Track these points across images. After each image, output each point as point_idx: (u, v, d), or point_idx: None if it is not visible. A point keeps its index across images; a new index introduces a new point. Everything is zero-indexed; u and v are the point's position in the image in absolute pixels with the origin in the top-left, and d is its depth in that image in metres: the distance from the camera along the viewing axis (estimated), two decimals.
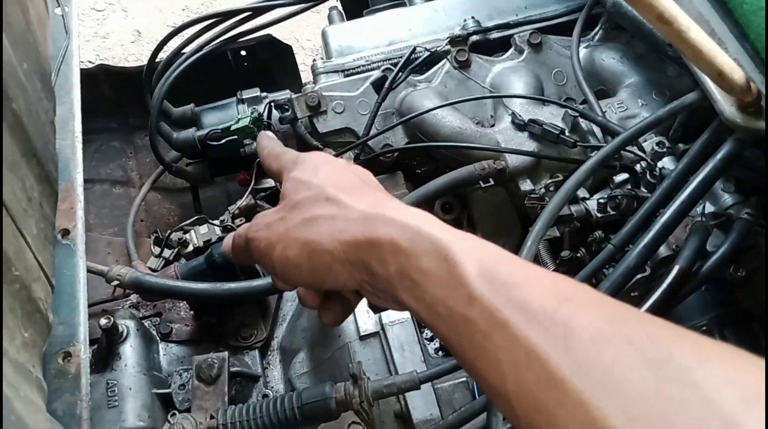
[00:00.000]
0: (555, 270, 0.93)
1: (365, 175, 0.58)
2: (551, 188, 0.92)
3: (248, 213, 1.14)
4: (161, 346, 1.08)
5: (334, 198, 0.53)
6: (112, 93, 1.44)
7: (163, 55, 1.24)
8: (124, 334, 1.01)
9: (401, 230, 0.47)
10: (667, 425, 0.32)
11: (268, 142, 0.66)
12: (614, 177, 0.94)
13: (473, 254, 0.44)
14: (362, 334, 0.97)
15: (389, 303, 0.52)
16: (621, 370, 0.35)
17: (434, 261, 0.45)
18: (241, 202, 1.13)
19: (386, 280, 0.49)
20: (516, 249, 1.02)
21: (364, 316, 0.99)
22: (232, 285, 0.93)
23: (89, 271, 0.98)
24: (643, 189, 0.90)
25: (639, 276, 0.84)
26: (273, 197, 1.15)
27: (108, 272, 0.94)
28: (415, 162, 1.14)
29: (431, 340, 1.07)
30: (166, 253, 1.12)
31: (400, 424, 0.93)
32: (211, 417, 0.84)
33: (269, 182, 1.19)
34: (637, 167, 0.91)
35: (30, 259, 0.70)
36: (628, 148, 0.88)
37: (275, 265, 0.55)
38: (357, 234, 0.50)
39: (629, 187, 0.90)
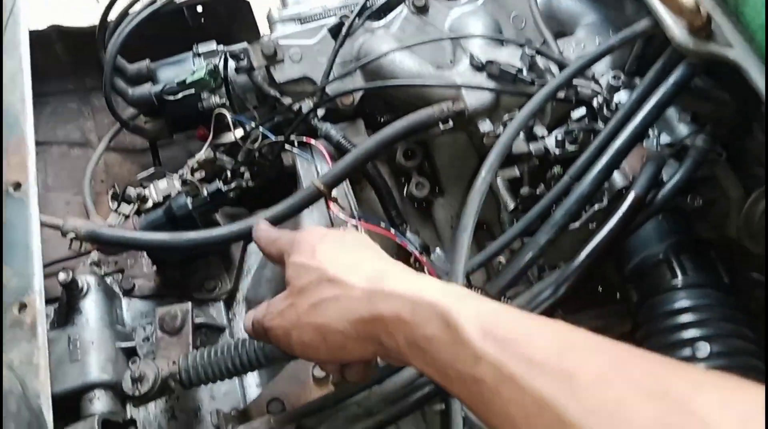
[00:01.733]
0: (515, 208, 0.93)
1: (361, 242, 0.62)
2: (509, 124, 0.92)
3: (208, 167, 1.12)
4: (124, 301, 1.07)
5: (335, 279, 0.57)
6: (67, 54, 1.41)
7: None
8: (85, 289, 1.00)
9: (402, 303, 0.51)
10: None
11: (263, 232, 0.72)
12: (572, 113, 0.94)
13: (473, 314, 0.47)
14: None
15: (405, 365, 0.58)
16: (625, 408, 0.37)
17: (437, 327, 0.49)
18: (200, 156, 1.11)
19: (396, 350, 0.53)
20: None
21: None
22: (192, 234, 0.92)
23: (44, 224, 0.96)
24: (600, 123, 0.90)
25: (596, 207, 0.85)
26: (232, 150, 1.14)
27: (63, 225, 0.92)
28: (375, 111, 1.13)
29: None
30: (125, 209, 1.10)
31: None
32: (173, 363, 0.84)
33: (228, 137, 1.17)
34: (594, 102, 0.91)
35: None
36: (583, 81, 0.88)
37: (295, 350, 0.61)
38: (363, 312, 0.54)
39: (586, 121, 0.91)
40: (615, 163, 0.75)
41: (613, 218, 0.77)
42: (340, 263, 0.58)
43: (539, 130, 0.95)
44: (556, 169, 0.90)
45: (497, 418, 0.45)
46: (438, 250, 1.10)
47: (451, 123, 0.97)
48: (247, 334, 0.72)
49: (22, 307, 0.80)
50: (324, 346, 0.58)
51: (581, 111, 0.93)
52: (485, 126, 0.96)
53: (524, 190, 0.91)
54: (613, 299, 0.98)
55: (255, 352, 0.80)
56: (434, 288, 0.52)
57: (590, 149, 0.81)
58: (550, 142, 0.92)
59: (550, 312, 0.77)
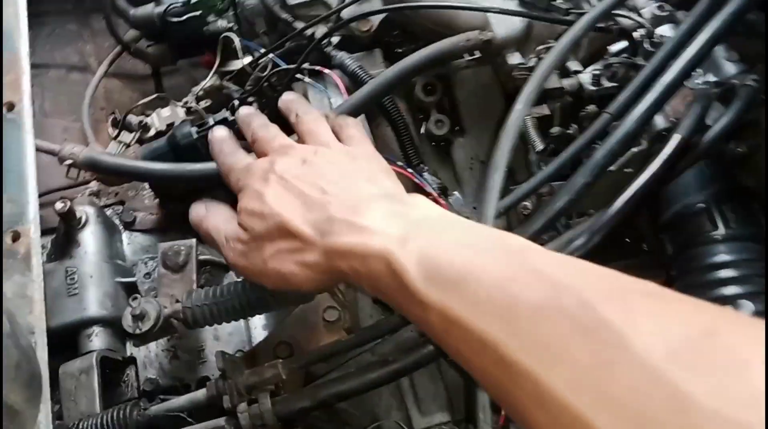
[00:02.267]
0: (544, 149, 0.87)
1: (303, 172, 0.61)
2: (542, 55, 0.84)
3: (214, 95, 1.05)
4: (125, 235, 1.02)
5: (289, 231, 0.58)
6: None
7: None
8: (83, 220, 0.94)
9: (354, 259, 0.53)
10: (605, 389, 0.34)
11: (219, 145, 0.74)
12: (609, 47, 0.86)
13: (416, 258, 0.48)
14: None
15: None
16: (559, 343, 0.37)
17: (388, 277, 0.49)
18: (206, 83, 1.04)
19: (369, 292, 0.56)
20: (500, 127, 0.96)
21: None
22: (197, 166, 0.85)
23: (40, 150, 0.90)
24: (640, 58, 0.83)
25: (635, 150, 0.78)
26: (240, 78, 1.07)
27: (60, 151, 0.86)
28: (394, 40, 1.06)
29: None
30: (126, 137, 1.04)
31: (378, 309, 0.90)
32: (176, 301, 0.79)
33: (236, 64, 1.10)
34: (635, 34, 0.83)
35: None
36: (624, 11, 0.81)
37: (267, 286, 0.65)
38: (323, 267, 0.56)
39: (626, 55, 0.83)
40: (662, 100, 0.69)
41: (656, 162, 0.70)
42: (292, 210, 0.59)
43: (573, 64, 0.87)
44: (591, 108, 0.83)
45: (451, 353, 0.46)
46: (456, 193, 1.04)
47: (477, 53, 0.89)
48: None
49: (16, 236, 0.75)
50: (298, 285, 0.60)
51: (621, 44, 0.85)
52: (514, 58, 0.89)
53: (555, 129, 0.84)
54: (640, 251, 0.93)
55: (264, 294, 0.75)
56: (379, 233, 0.52)
57: (633, 85, 0.74)
58: (585, 77, 0.85)
59: None
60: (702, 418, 0.31)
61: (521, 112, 0.66)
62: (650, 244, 0.92)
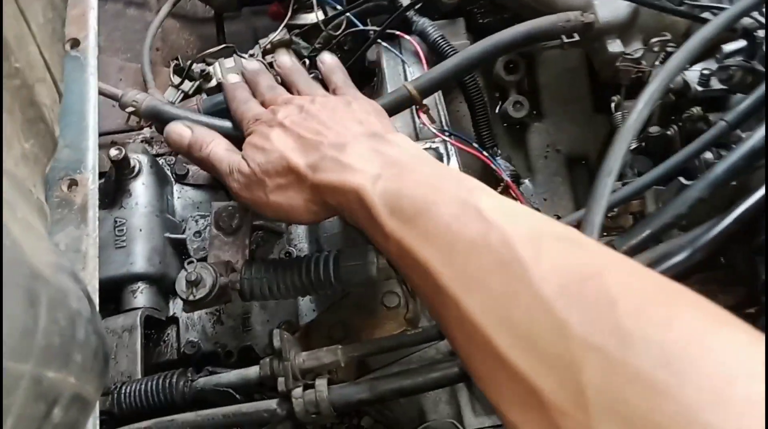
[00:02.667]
0: (637, 148, 0.81)
1: (307, 119, 0.67)
2: (655, 48, 0.77)
3: (281, 49, 0.99)
4: (176, 188, 0.97)
5: (289, 167, 0.63)
6: None
7: None
8: (136, 169, 0.90)
9: (336, 193, 0.59)
10: (508, 316, 0.41)
11: (232, 91, 0.77)
12: (722, 45, 0.79)
13: (382, 194, 0.54)
14: None
15: None
16: (480, 274, 0.43)
17: (362, 210, 0.55)
18: (275, 36, 0.98)
19: (351, 223, 0.62)
20: (582, 116, 0.89)
21: None
22: None
23: (101, 93, 0.85)
24: (758, 63, 0.76)
25: None
26: (309, 34, 1.00)
27: (122, 96, 0.81)
28: (479, 10, 0.99)
29: None
30: (186, 85, 0.98)
31: None
32: (233, 270, 0.75)
33: (305, 18, 1.03)
34: (757, 35, 0.76)
35: (34, 53, 0.56)
36: None
37: (270, 217, 0.70)
38: (316, 200, 0.63)
39: (742, 58, 0.76)
40: None
41: None
42: (292, 148, 0.64)
43: None
44: (696, 110, 0.76)
45: (407, 281, 0.58)
46: (527, 181, 0.98)
47: (576, 36, 0.82)
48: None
49: (72, 184, 0.70)
50: (299, 218, 0.66)
51: (737, 44, 0.78)
52: (615, 46, 0.82)
53: (654, 128, 0.78)
54: (717, 263, 0.87)
55: (329, 271, 0.70)
56: (358, 170, 0.58)
57: (756, 94, 0.67)
58: (692, 76, 0.78)
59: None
60: (575, 344, 0.37)
61: (641, 113, 0.59)
62: (730, 258, 0.86)
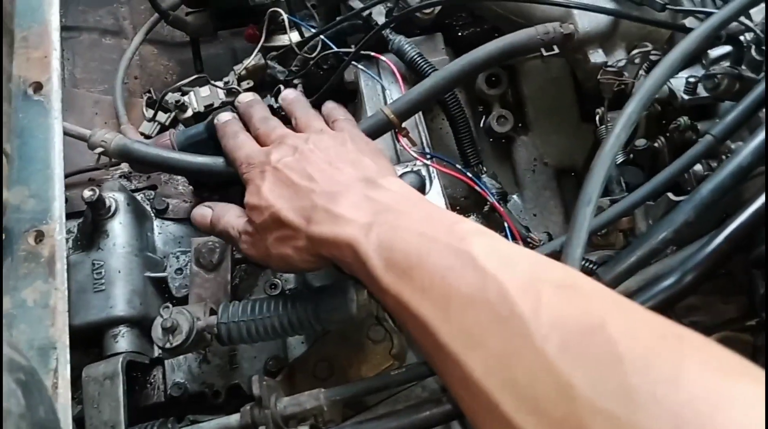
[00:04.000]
0: (625, 161, 0.78)
1: (298, 168, 0.65)
2: (636, 60, 0.74)
3: (256, 75, 0.97)
4: (156, 223, 0.95)
5: (283, 221, 0.63)
6: None
7: None
8: (113, 208, 0.87)
9: (331, 247, 0.58)
10: (512, 377, 0.39)
11: (222, 129, 0.77)
12: (709, 51, 0.76)
13: (377, 247, 0.53)
14: None
15: None
16: (480, 331, 0.42)
17: (357, 264, 0.54)
18: (249, 62, 0.95)
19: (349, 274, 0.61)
20: (569, 127, 0.86)
21: None
22: None
23: (68, 134, 0.83)
24: (746, 69, 0.73)
25: None
26: (284, 58, 0.98)
27: (91, 137, 0.78)
28: (457, 23, 0.96)
29: None
30: (161, 117, 0.96)
31: None
32: (212, 312, 0.72)
33: (281, 40, 1.01)
34: (742, 39, 0.73)
35: None
36: None
37: (279, 271, 0.79)
38: (312, 252, 0.62)
39: (729, 64, 0.73)
40: None
41: (761, 198, 0.61)
42: (283, 202, 0.64)
43: None
44: (683, 120, 0.73)
45: (405, 334, 0.55)
46: (515, 197, 0.95)
47: (556, 49, 0.79)
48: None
49: (39, 236, 0.68)
50: (300, 269, 0.67)
51: (723, 49, 0.75)
52: (597, 57, 0.79)
53: (640, 141, 0.75)
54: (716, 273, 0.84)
55: (308, 315, 0.68)
56: (349, 221, 0.57)
57: (743, 104, 0.64)
58: (679, 84, 0.75)
59: (664, 307, 0.63)
60: (581, 407, 0.35)
61: (619, 137, 0.56)
62: (730, 268, 0.83)
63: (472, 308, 0.43)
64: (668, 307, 0.64)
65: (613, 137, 0.56)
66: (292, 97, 0.81)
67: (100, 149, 0.78)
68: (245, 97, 0.81)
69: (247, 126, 0.77)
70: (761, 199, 0.62)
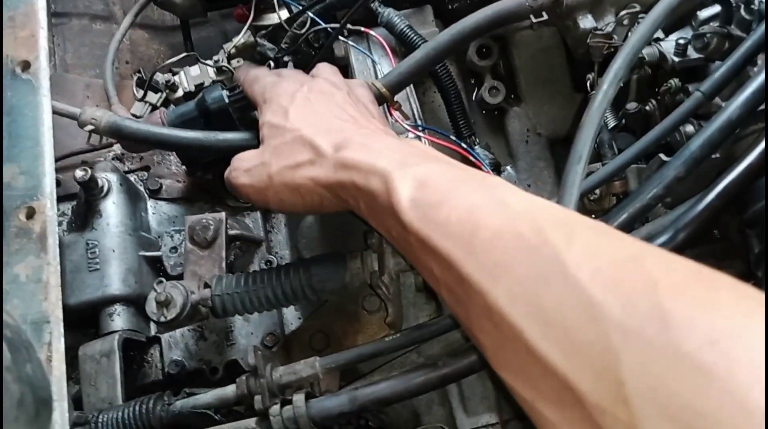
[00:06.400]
0: (616, 126, 0.77)
1: (329, 97, 0.65)
2: (624, 22, 0.74)
3: (247, 53, 0.96)
4: (150, 203, 0.95)
5: (309, 142, 0.61)
6: None
7: None
8: (105, 188, 0.87)
9: (358, 173, 0.56)
10: (538, 303, 0.38)
11: (244, 72, 0.78)
12: (698, 13, 0.76)
13: (409, 181, 0.51)
14: None
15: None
16: (507, 260, 0.41)
17: (383, 194, 0.53)
18: (238, 40, 0.95)
19: (362, 212, 0.58)
20: (562, 96, 0.86)
21: None
22: (229, 135, 0.78)
23: (58, 113, 0.83)
24: (735, 28, 0.72)
25: None
26: (274, 36, 0.97)
27: (81, 115, 0.78)
28: None
29: None
30: (152, 97, 0.96)
31: (422, 297, 0.82)
32: (206, 285, 0.72)
33: (271, 18, 1.00)
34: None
35: None
36: None
37: (271, 206, 0.66)
38: (331, 179, 0.59)
39: (718, 24, 0.73)
40: None
41: (755, 151, 0.60)
42: (311, 125, 0.62)
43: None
44: (674, 83, 0.73)
45: (423, 272, 0.50)
46: (509, 168, 0.95)
47: (545, 15, 0.79)
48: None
49: (30, 212, 0.68)
50: (302, 204, 0.63)
51: (712, 9, 0.74)
52: (587, 22, 0.79)
53: (631, 104, 0.74)
54: (711, 238, 0.84)
55: (301, 284, 0.68)
56: (388, 153, 0.55)
57: (732, 60, 0.64)
58: (669, 46, 0.75)
59: None
60: (610, 328, 0.34)
61: (607, 93, 0.56)
62: (724, 232, 0.82)
63: (500, 239, 0.42)
64: None
65: (601, 94, 0.56)
66: (251, 74, 0.80)
67: (90, 127, 0.78)
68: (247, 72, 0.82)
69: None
70: (752, 156, 0.62)
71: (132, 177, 0.95)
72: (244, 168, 0.65)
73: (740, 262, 0.78)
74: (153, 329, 0.87)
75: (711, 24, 0.74)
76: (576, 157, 0.54)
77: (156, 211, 0.94)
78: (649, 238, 0.63)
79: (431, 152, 0.59)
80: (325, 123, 0.63)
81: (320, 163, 0.60)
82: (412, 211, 0.49)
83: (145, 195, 0.94)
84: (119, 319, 0.82)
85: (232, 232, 0.86)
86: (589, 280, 0.36)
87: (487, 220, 0.44)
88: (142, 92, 0.93)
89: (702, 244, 0.84)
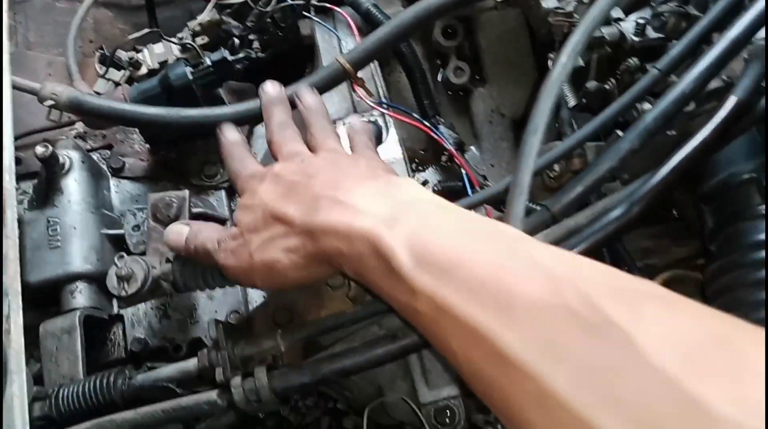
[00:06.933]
0: (576, 105, 0.79)
1: (298, 169, 0.59)
2: (585, 0, 0.75)
3: (212, 31, 0.96)
4: (113, 182, 0.94)
5: (277, 214, 0.56)
6: None
7: None
8: (67, 165, 0.86)
9: (338, 238, 0.50)
10: (611, 391, 0.33)
11: (230, 149, 0.69)
12: None
13: (405, 240, 0.45)
14: None
15: None
16: (563, 340, 0.36)
17: (373, 259, 0.47)
18: (203, 17, 0.95)
19: (352, 275, 0.52)
20: (526, 78, 0.87)
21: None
22: (191, 111, 0.78)
23: (18, 88, 0.82)
24: (692, 7, 0.74)
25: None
26: (239, 13, 0.97)
27: (41, 89, 0.78)
28: None
29: (423, 185, 0.95)
30: (115, 75, 0.95)
31: None
32: (167, 260, 0.72)
33: None
34: None
35: None
36: None
37: (258, 285, 0.63)
38: (309, 248, 0.53)
39: (676, 3, 0.74)
40: (726, 58, 0.60)
41: (708, 126, 0.62)
42: (279, 197, 0.57)
43: (613, 11, 0.78)
44: (632, 62, 0.74)
45: (440, 349, 0.44)
46: (473, 148, 0.96)
47: None
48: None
49: None
50: (286, 279, 0.57)
51: None
52: (549, 1, 0.80)
53: (591, 83, 0.76)
54: (670, 218, 0.85)
55: None
56: (367, 211, 0.50)
57: (687, 38, 0.65)
58: (628, 26, 0.76)
59: (614, 238, 0.64)
60: (715, 424, 0.30)
61: (566, 66, 0.57)
62: (682, 211, 0.84)
63: (547, 314, 0.37)
64: (617, 238, 0.66)
65: (558, 66, 0.57)
66: (312, 104, 0.70)
67: (50, 102, 0.77)
68: (271, 90, 0.71)
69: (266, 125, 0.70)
70: (706, 131, 0.63)
71: (95, 155, 0.94)
72: (230, 249, 0.60)
73: (697, 241, 0.80)
74: (116, 307, 0.86)
75: (669, 4, 0.75)
76: (532, 128, 0.55)
77: (119, 190, 0.93)
78: (605, 212, 0.65)
79: (421, 194, 0.52)
80: (291, 190, 0.57)
81: (293, 233, 0.55)
82: (419, 276, 0.43)
83: (108, 173, 0.93)
84: (81, 297, 0.81)
85: (195, 210, 0.85)
86: (678, 369, 0.32)
87: (521, 285, 0.39)
88: (104, 69, 0.92)
89: (660, 223, 0.86)
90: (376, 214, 0.49)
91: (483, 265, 0.41)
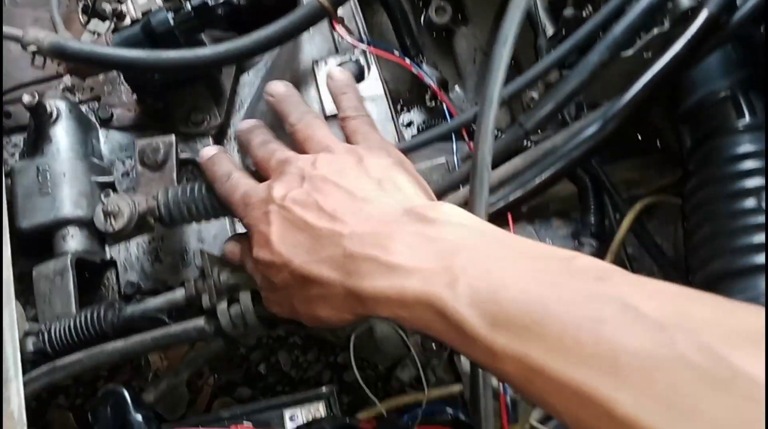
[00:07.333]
0: (555, 34, 0.79)
1: (311, 194, 0.54)
2: None
3: None
4: (101, 132, 0.95)
5: (308, 277, 0.51)
6: None
7: None
8: (55, 115, 0.87)
9: (390, 307, 0.46)
10: None
11: (210, 168, 0.66)
12: None
13: (469, 301, 0.41)
14: (328, 115, 0.83)
15: None
16: (688, 399, 0.32)
17: (439, 324, 0.43)
18: None
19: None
20: None
21: (328, 96, 0.85)
22: (173, 53, 0.78)
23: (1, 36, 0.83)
24: None
25: (656, 31, 0.70)
26: None
27: (24, 36, 0.78)
28: None
29: (408, 126, 0.95)
30: (100, 27, 0.96)
31: None
32: (153, 198, 0.73)
33: None
34: None
35: None
36: None
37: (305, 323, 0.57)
38: (357, 310, 0.50)
39: None
40: None
41: (680, 41, 0.62)
42: (304, 253, 0.52)
43: None
44: None
45: (541, 406, 0.39)
46: (457, 87, 0.96)
47: None
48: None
49: None
50: (334, 326, 0.56)
51: None
52: None
53: (568, 11, 0.75)
54: (653, 148, 0.86)
55: None
56: (416, 269, 0.45)
57: None
58: None
59: (589, 155, 0.65)
60: None
61: None
62: (665, 140, 0.85)
63: (663, 369, 0.33)
64: (593, 155, 0.67)
65: None
66: (281, 91, 0.67)
67: (33, 48, 0.78)
68: (244, 124, 0.69)
69: (247, 154, 0.67)
70: (677, 46, 0.64)
71: (83, 108, 0.95)
72: (271, 299, 0.59)
73: (680, 170, 0.80)
74: (108, 253, 0.88)
75: None
76: (502, 39, 0.55)
77: (108, 140, 0.94)
78: (580, 131, 0.65)
79: (465, 236, 0.46)
80: (311, 236, 0.52)
81: (334, 294, 0.51)
82: (497, 337, 0.39)
83: (96, 124, 0.94)
84: (72, 241, 0.83)
85: (183, 155, 0.86)
86: None
87: (623, 337, 0.35)
88: (86, 19, 0.92)
89: (644, 154, 0.87)
90: (426, 271, 0.44)
91: (572, 318, 0.37)
